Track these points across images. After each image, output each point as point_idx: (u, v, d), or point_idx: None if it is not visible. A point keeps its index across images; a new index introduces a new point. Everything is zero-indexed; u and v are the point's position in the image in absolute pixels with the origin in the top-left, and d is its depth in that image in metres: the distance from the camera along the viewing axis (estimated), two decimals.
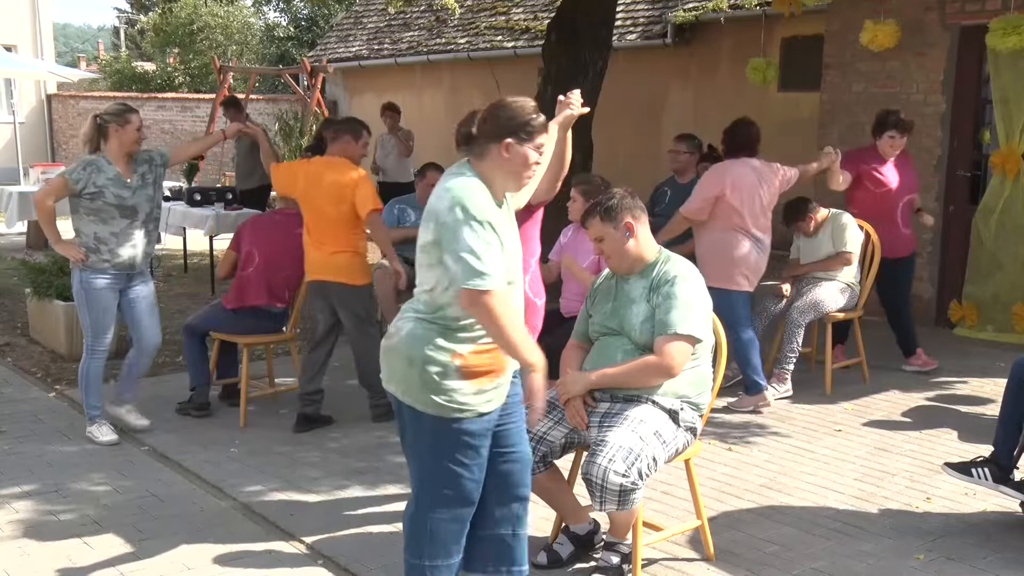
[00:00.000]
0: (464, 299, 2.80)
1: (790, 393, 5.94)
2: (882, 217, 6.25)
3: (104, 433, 5.13)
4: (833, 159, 6.00)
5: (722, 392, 5.70)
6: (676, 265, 3.60)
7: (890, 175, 6.28)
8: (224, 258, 5.77)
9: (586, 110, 3.56)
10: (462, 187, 2.89)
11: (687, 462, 3.74)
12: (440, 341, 2.89)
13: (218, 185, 11.59)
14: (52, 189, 4.98)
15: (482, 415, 2.95)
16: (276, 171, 5.50)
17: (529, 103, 3.02)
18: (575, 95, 3.52)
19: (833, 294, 6.01)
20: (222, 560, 3.82)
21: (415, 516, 3.04)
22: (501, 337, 2.84)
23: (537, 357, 2.88)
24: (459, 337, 2.90)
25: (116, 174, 5.00)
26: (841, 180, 6.13)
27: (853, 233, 6.08)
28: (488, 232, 2.82)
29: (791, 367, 5.96)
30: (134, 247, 5.08)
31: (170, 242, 11.33)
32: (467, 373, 2.90)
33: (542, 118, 3.01)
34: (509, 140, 2.95)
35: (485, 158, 2.98)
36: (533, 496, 3.89)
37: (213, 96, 13.28)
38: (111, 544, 3.95)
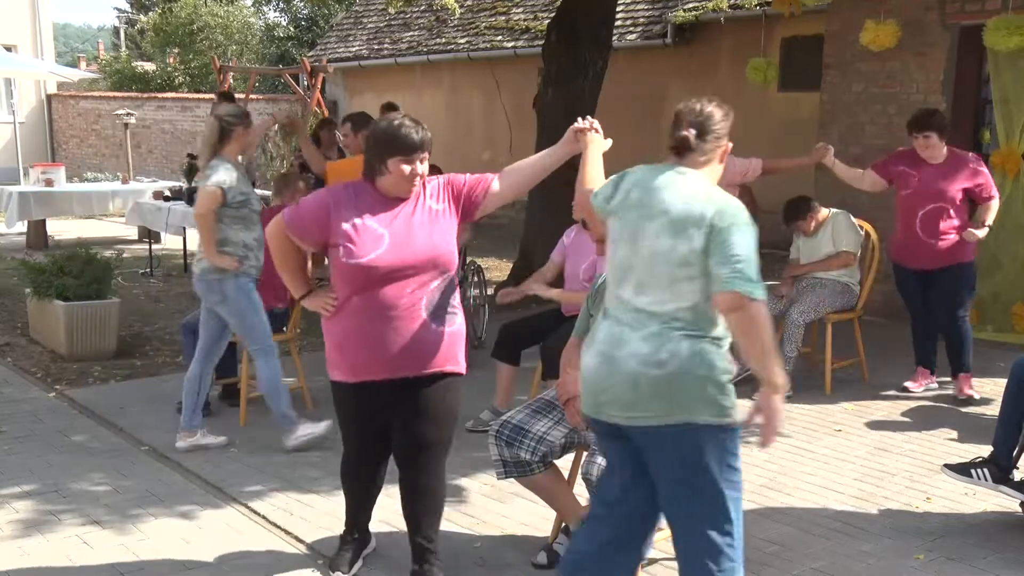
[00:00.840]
0: (731, 302, 2.65)
1: (790, 393, 5.94)
2: (903, 221, 5.86)
3: (312, 426, 5.04)
4: (823, 155, 5.98)
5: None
6: None
7: (916, 178, 5.76)
8: None
9: (609, 143, 3.39)
10: (716, 190, 2.79)
11: None
12: (719, 350, 2.78)
13: None
14: (212, 202, 4.77)
15: None
16: (337, 169, 5.48)
17: None
18: (596, 124, 3.38)
19: (833, 294, 6.01)
20: (222, 560, 3.82)
21: (715, 536, 2.83)
22: (759, 348, 2.67)
23: (784, 378, 2.74)
24: (723, 345, 2.80)
25: (245, 178, 4.91)
26: (844, 173, 6.05)
27: (853, 233, 6.08)
28: (755, 241, 2.74)
29: (791, 367, 5.96)
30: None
31: (170, 242, 11.35)
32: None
33: None
34: (729, 144, 2.91)
35: (710, 163, 2.88)
36: (533, 496, 3.91)
37: (213, 96, 13.27)
38: (111, 544, 3.96)
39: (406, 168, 3.29)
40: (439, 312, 3.38)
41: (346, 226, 3.29)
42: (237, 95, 14.92)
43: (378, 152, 3.32)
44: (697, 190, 2.78)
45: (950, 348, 5.91)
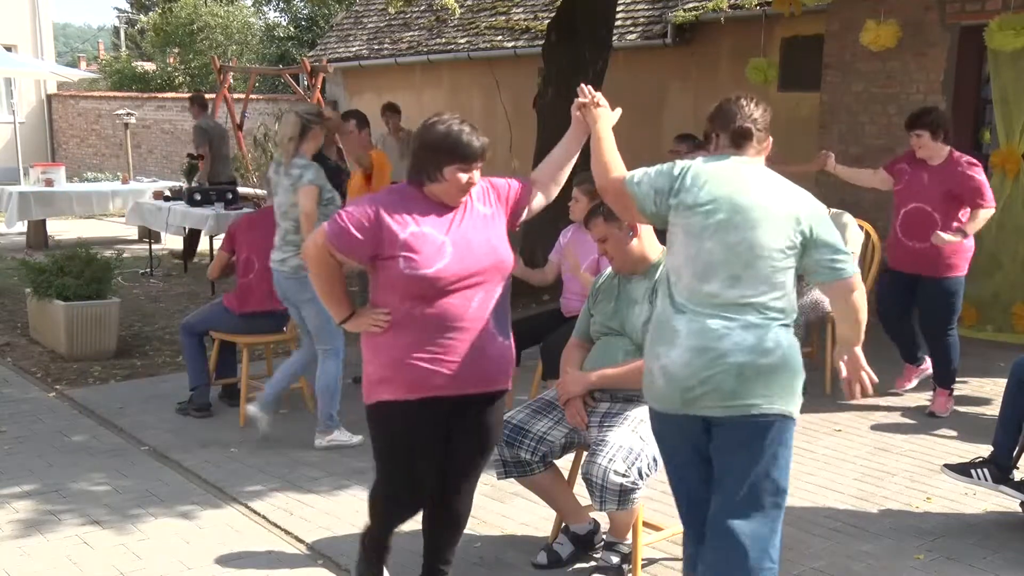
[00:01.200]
0: (851, 285, 2.82)
1: None
2: (892, 220, 5.72)
3: (347, 436, 5.06)
4: (824, 162, 5.97)
5: None
6: None
7: (907, 177, 5.58)
8: (216, 259, 5.77)
9: (618, 112, 3.24)
10: (787, 180, 2.89)
11: None
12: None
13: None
14: (315, 200, 4.79)
15: None
16: (383, 159, 5.96)
17: None
18: (599, 97, 3.21)
19: None
20: (222, 560, 3.82)
21: (762, 528, 2.83)
22: (861, 319, 2.86)
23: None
24: None
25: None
26: (850, 175, 6.00)
27: (853, 233, 6.08)
28: None
29: None
30: None
31: (170, 242, 11.35)
32: None
33: None
34: (770, 139, 2.99)
35: (762, 153, 2.95)
36: (533, 496, 3.91)
37: (213, 96, 13.28)
38: (111, 544, 3.96)
39: (463, 177, 3.04)
40: (503, 323, 3.16)
41: (405, 235, 2.99)
42: (238, 95, 14.95)
43: (434, 158, 3.04)
44: (777, 181, 2.88)
45: (934, 361, 5.75)
